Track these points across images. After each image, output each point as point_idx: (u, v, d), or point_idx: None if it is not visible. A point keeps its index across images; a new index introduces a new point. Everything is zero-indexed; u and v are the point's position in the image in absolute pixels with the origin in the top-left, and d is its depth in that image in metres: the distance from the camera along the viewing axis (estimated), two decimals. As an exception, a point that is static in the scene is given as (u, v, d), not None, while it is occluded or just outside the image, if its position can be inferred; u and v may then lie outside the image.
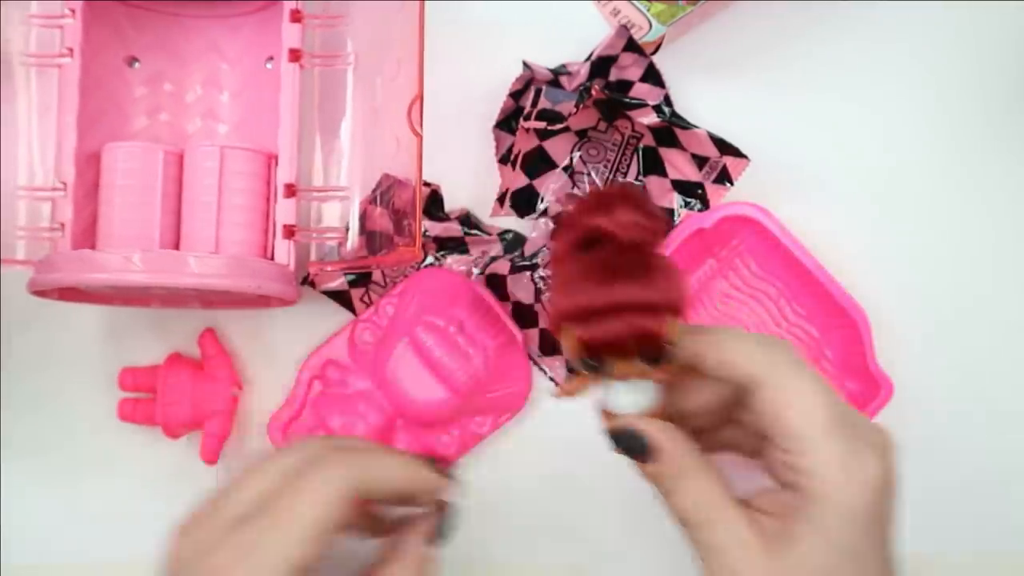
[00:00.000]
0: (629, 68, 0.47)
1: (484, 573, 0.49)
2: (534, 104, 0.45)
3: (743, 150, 0.45)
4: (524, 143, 0.47)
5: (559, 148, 0.48)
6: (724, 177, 0.46)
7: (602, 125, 0.48)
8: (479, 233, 0.48)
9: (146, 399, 0.47)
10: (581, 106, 0.45)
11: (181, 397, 0.46)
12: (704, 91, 0.49)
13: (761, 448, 0.35)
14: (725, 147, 0.45)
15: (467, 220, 0.48)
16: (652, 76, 0.47)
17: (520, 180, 0.48)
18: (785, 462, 0.33)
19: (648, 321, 0.32)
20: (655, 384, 0.34)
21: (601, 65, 0.46)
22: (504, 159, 0.48)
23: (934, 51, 0.46)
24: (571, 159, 0.48)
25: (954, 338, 0.49)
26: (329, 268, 0.44)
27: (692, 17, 0.46)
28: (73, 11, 0.44)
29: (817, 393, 0.33)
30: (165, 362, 0.47)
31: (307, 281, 0.47)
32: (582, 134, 0.48)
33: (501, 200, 0.47)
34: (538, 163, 0.48)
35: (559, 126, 0.45)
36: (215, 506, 0.34)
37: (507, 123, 0.48)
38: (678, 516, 0.34)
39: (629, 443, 0.34)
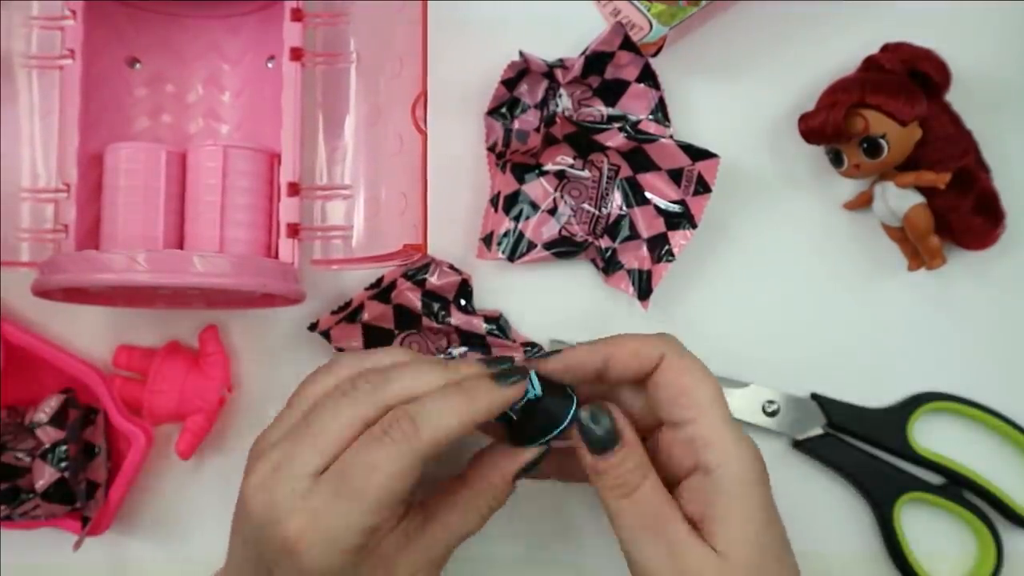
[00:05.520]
0: (626, 67, 0.47)
1: (483, 572, 0.49)
2: (506, 144, 0.46)
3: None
4: (504, 185, 0.48)
5: (539, 191, 0.48)
6: (702, 186, 0.46)
7: (578, 163, 0.48)
8: (503, 338, 0.47)
9: (136, 380, 0.47)
10: (547, 129, 0.46)
11: (170, 387, 0.46)
12: (704, 94, 0.50)
13: (658, 440, 0.39)
14: (694, 152, 0.46)
15: (495, 321, 0.47)
16: (648, 77, 0.48)
17: (505, 223, 0.48)
18: (687, 436, 0.37)
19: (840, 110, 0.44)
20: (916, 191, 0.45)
21: (596, 61, 0.47)
22: (493, 201, 0.48)
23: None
24: (553, 200, 0.48)
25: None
26: (335, 267, 0.44)
27: (692, 19, 0.47)
28: (74, 12, 0.44)
29: (705, 370, 0.38)
30: (163, 349, 0.47)
31: (314, 328, 0.47)
32: (560, 175, 0.48)
33: (487, 243, 0.48)
34: (520, 206, 0.48)
35: (532, 162, 0.47)
36: (288, 457, 0.36)
37: (498, 111, 0.48)
38: (633, 516, 0.37)
39: (600, 430, 0.38)
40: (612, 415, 0.38)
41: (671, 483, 0.38)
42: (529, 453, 0.39)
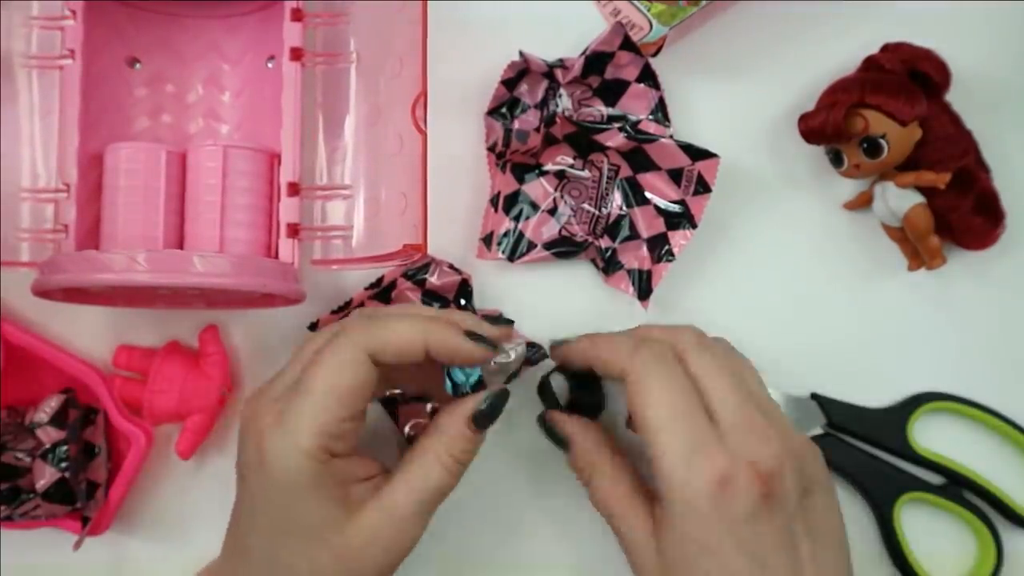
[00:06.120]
0: (626, 67, 0.47)
1: (483, 573, 0.49)
2: (506, 144, 0.46)
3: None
4: (504, 185, 0.48)
5: (539, 191, 0.48)
6: (702, 185, 0.46)
7: (578, 163, 0.48)
8: None
9: (136, 380, 0.47)
10: (547, 129, 0.46)
11: (170, 387, 0.46)
12: (704, 94, 0.50)
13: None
14: (694, 152, 0.46)
15: (496, 320, 0.47)
16: (648, 77, 0.48)
17: (505, 223, 0.48)
18: (645, 452, 0.38)
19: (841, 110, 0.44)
20: (915, 191, 0.45)
21: (596, 61, 0.47)
22: (493, 201, 0.48)
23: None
24: (554, 200, 0.48)
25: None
26: (335, 267, 0.44)
27: (692, 19, 0.47)
28: (74, 12, 0.44)
29: (666, 389, 0.37)
30: (163, 348, 0.47)
31: (314, 328, 0.47)
32: (560, 175, 0.48)
33: (487, 243, 0.48)
34: (520, 206, 0.48)
35: (532, 162, 0.47)
36: (273, 380, 0.40)
37: (498, 111, 0.48)
38: (593, 506, 0.41)
39: (551, 433, 0.43)
40: (556, 424, 0.42)
41: None
42: (478, 398, 0.40)
